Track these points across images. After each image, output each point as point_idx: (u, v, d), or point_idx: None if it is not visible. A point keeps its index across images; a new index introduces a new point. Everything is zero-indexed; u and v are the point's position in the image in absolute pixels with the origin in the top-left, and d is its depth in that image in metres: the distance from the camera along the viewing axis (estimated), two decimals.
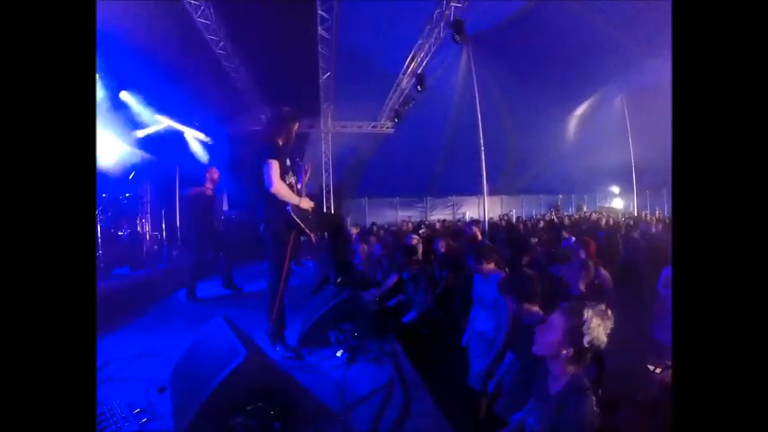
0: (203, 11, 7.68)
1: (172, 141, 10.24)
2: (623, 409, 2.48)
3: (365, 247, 8.21)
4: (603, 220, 12.19)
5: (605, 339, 1.73)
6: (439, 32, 9.23)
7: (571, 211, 21.23)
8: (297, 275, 5.69)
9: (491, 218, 14.28)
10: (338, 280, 4.10)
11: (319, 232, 4.07)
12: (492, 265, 3.45)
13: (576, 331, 1.73)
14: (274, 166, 3.24)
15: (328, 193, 15.03)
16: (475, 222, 10.05)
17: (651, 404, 2.62)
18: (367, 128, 15.05)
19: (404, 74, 11.51)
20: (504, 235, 9.94)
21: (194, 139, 11.26)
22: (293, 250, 3.55)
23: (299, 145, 10.99)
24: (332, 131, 14.79)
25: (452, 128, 14.68)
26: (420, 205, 20.61)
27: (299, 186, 3.67)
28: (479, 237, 6.77)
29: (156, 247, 8.69)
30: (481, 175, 10.69)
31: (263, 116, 12.46)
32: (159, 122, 9.14)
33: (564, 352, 1.74)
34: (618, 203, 21.32)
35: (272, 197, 3.29)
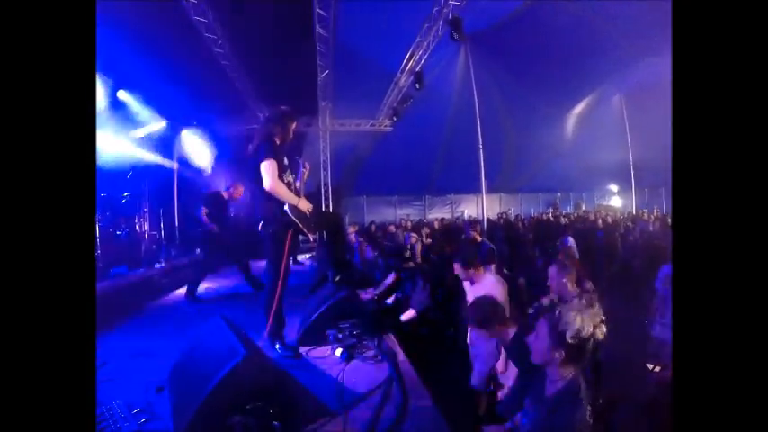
0: (201, 10, 7.65)
1: (170, 140, 10.22)
2: (622, 408, 2.49)
3: (363, 245, 8.21)
4: (601, 221, 12.20)
5: (590, 329, 1.69)
6: (437, 31, 9.22)
7: (569, 209, 21.26)
8: (295, 274, 5.69)
9: (489, 217, 14.28)
10: (336, 279, 4.10)
11: (317, 231, 4.07)
12: (481, 270, 3.44)
13: (557, 331, 1.70)
14: (272, 165, 3.23)
15: (327, 191, 15.01)
16: (472, 224, 10.07)
17: (650, 402, 2.63)
18: (365, 126, 15.04)
19: (402, 72, 11.49)
20: (503, 233, 9.96)
21: (192, 138, 11.24)
22: (291, 249, 3.54)
23: (297, 143, 11.00)
24: (330, 130, 14.77)
25: (451, 126, 14.67)
26: (418, 204, 20.60)
27: (297, 185, 3.66)
28: (478, 238, 6.78)
29: (154, 246, 8.69)
30: (480, 174, 10.70)
31: (260, 115, 12.45)
32: (157, 121, 9.12)
33: (557, 356, 1.72)
34: (616, 202, 21.37)
35: (270, 196, 3.28)
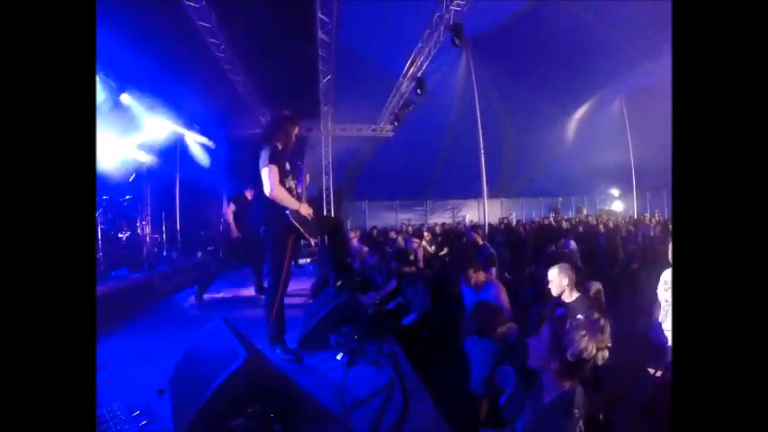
0: (203, 14, 7.70)
1: (172, 144, 10.25)
2: (622, 410, 2.48)
3: (365, 250, 8.21)
4: (602, 226, 12.18)
5: (593, 352, 1.62)
6: (438, 36, 9.25)
7: (571, 213, 21.23)
8: (297, 278, 5.69)
9: (491, 221, 14.28)
10: (338, 283, 4.10)
11: (319, 236, 4.07)
12: (485, 275, 3.44)
13: (559, 343, 1.65)
14: (273, 171, 3.23)
15: (328, 196, 15.03)
16: (474, 228, 10.06)
17: (651, 407, 2.62)
18: (367, 131, 15.07)
19: (403, 77, 11.53)
20: (504, 238, 9.95)
21: (194, 141, 11.29)
22: (292, 253, 3.55)
23: (299, 148, 11.02)
24: (332, 134, 14.81)
25: (452, 131, 14.71)
26: (420, 208, 20.61)
27: (298, 190, 3.67)
28: (480, 241, 6.77)
29: (155, 249, 8.71)
30: (481, 178, 10.70)
31: (262, 119, 12.49)
32: (160, 125, 9.15)
33: (551, 365, 1.67)
34: (618, 206, 21.33)
35: (271, 201, 3.29)
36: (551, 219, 17.71)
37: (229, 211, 6.34)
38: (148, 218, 8.63)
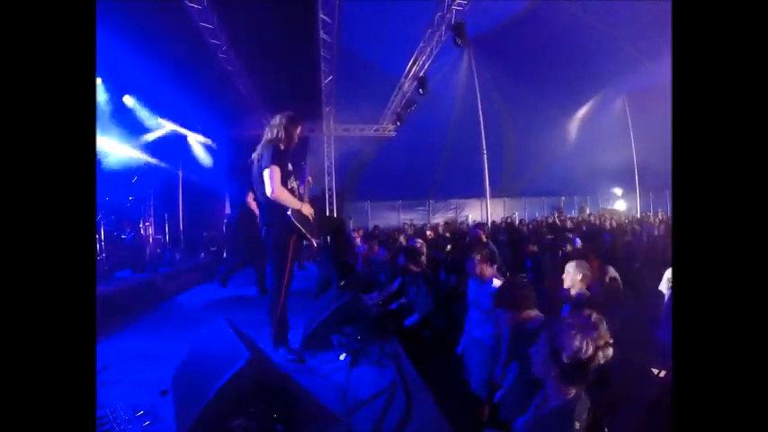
0: (205, 15, 7.72)
1: (175, 145, 10.29)
2: (624, 410, 2.47)
3: (368, 250, 8.20)
4: (608, 223, 12.15)
5: (591, 351, 1.52)
6: (440, 36, 9.25)
7: (574, 213, 21.18)
8: (299, 278, 5.70)
9: (493, 221, 14.26)
10: (341, 283, 4.10)
11: (321, 236, 4.07)
12: (491, 270, 3.43)
13: (553, 347, 1.58)
14: (275, 172, 3.24)
15: (330, 196, 15.04)
16: (480, 225, 10.04)
17: (652, 405, 2.61)
18: (369, 131, 15.08)
19: (405, 77, 11.53)
20: (506, 237, 9.93)
21: (197, 142, 11.32)
22: (295, 254, 3.55)
23: (301, 148, 11.05)
24: (334, 135, 14.83)
25: (454, 131, 14.70)
26: (422, 208, 20.59)
27: (301, 190, 3.67)
28: (484, 238, 6.76)
29: (158, 250, 8.73)
30: (483, 178, 10.69)
31: (265, 120, 12.50)
32: (162, 126, 9.19)
33: (552, 373, 1.60)
34: (621, 205, 21.27)
35: (273, 201, 3.29)
36: (555, 218, 17.66)
37: (250, 198, 6.32)
38: (151, 219, 8.66)
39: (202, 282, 8.13)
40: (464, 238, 9.43)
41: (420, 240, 6.42)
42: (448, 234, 10.97)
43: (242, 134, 12.87)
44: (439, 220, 18.97)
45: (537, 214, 20.99)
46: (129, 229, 7.59)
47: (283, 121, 3.58)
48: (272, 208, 3.36)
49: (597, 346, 1.54)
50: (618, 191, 21.47)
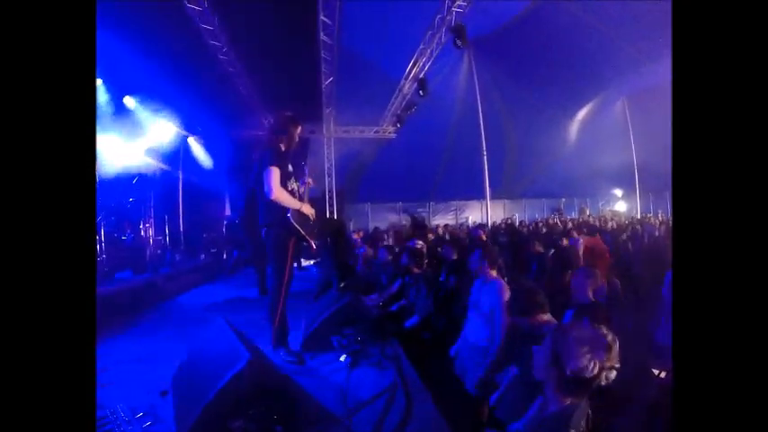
0: (206, 16, 7.73)
1: (175, 146, 10.30)
2: (625, 412, 2.46)
3: (369, 251, 8.20)
4: (609, 224, 12.15)
5: (596, 370, 1.47)
6: (440, 37, 9.26)
7: (574, 214, 21.16)
8: (300, 279, 5.70)
9: (494, 222, 14.26)
10: (341, 285, 4.10)
11: (320, 238, 4.07)
12: (494, 272, 3.42)
13: (557, 355, 1.53)
14: (275, 173, 3.24)
15: (330, 197, 15.04)
16: (480, 226, 10.03)
17: (654, 407, 2.60)
18: (369, 133, 15.08)
19: (406, 79, 11.54)
20: (507, 239, 9.92)
21: (197, 143, 11.33)
22: (294, 255, 3.55)
23: (302, 150, 11.07)
24: (334, 136, 14.83)
25: (454, 132, 14.71)
26: (422, 210, 20.58)
27: (301, 190, 3.68)
28: (484, 238, 6.76)
29: (159, 251, 8.73)
30: (483, 180, 10.69)
31: (265, 121, 12.53)
32: (162, 127, 9.20)
33: (550, 378, 1.56)
34: (621, 206, 21.25)
35: (273, 203, 3.30)
36: (555, 219, 17.66)
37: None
38: (152, 220, 8.66)
39: (203, 283, 8.14)
40: (464, 240, 9.43)
41: (420, 242, 6.42)
42: (448, 236, 10.97)
43: (242, 135, 12.89)
44: (439, 221, 18.98)
45: (537, 216, 20.98)
46: (129, 231, 7.60)
47: (284, 121, 3.60)
48: (272, 209, 3.37)
49: (603, 367, 1.48)
50: (618, 192, 21.45)
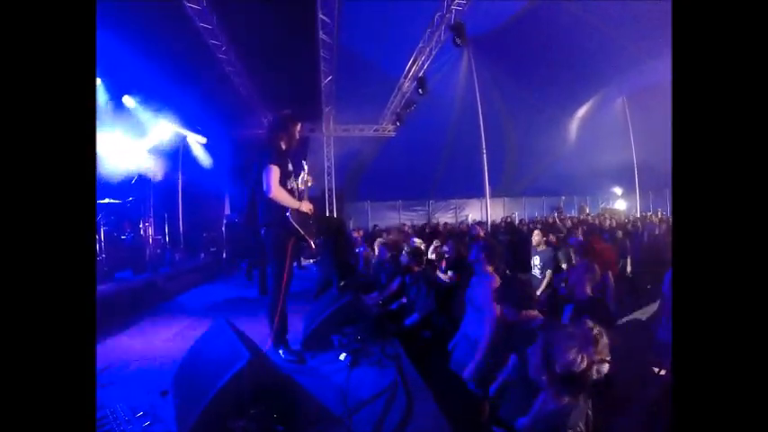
0: (205, 16, 7.72)
1: (174, 145, 10.28)
2: (626, 411, 2.46)
3: (369, 250, 8.20)
4: (607, 222, 12.14)
5: (584, 365, 1.47)
6: (440, 36, 9.25)
7: (573, 213, 21.16)
8: (299, 279, 5.70)
9: (493, 220, 14.25)
10: (341, 284, 4.10)
11: (319, 237, 4.07)
12: (490, 269, 3.43)
13: (546, 355, 1.54)
14: (274, 172, 3.24)
15: (330, 196, 15.04)
16: (479, 224, 10.02)
17: (655, 407, 2.60)
18: (369, 131, 15.08)
19: (405, 77, 11.53)
20: (507, 237, 9.93)
21: (197, 143, 11.31)
22: (294, 254, 3.55)
23: (301, 148, 11.08)
24: (334, 135, 14.82)
25: (454, 130, 14.69)
26: (422, 208, 20.58)
27: (301, 188, 3.68)
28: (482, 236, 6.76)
29: (158, 251, 8.72)
30: (483, 178, 10.68)
31: (264, 120, 12.51)
32: (162, 126, 9.18)
33: (543, 378, 1.56)
34: (620, 205, 21.25)
35: (272, 201, 3.30)
36: (555, 218, 17.65)
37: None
38: (151, 219, 8.65)
39: (202, 282, 8.13)
40: (464, 237, 9.43)
41: (419, 240, 6.42)
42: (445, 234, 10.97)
43: (242, 134, 12.87)
44: (439, 219, 18.98)
45: (537, 214, 20.98)
46: (129, 230, 7.59)
47: (283, 119, 3.60)
48: (271, 208, 3.37)
49: (592, 360, 1.48)
50: (618, 190, 21.45)
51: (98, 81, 7.17)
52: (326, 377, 3.07)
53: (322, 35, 8.96)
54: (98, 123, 6.57)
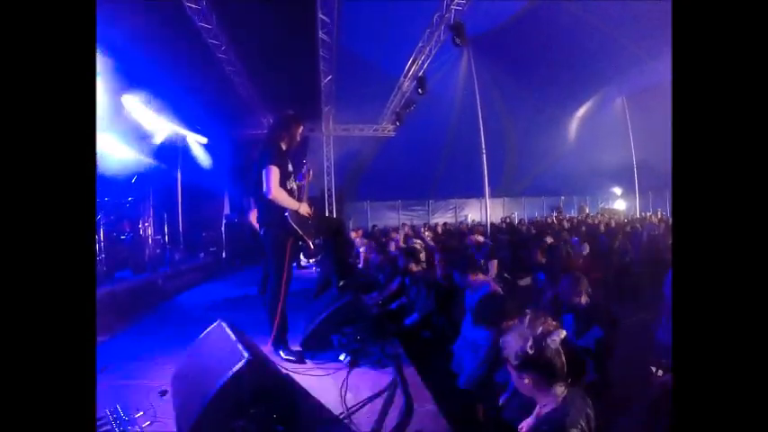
0: (204, 15, 7.72)
1: (174, 145, 10.28)
2: (627, 411, 2.46)
3: (368, 250, 8.21)
4: (603, 226, 12.14)
5: (531, 343, 1.54)
6: (439, 35, 9.25)
7: (573, 212, 21.18)
8: (299, 279, 5.70)
9: (493, 221, 14.26)
10: (340, 284, 4.10)
11: (318, 238, 4.07)
12: (479, 276, 3.44)
13: (504, 360, 1.63)
14: (274, 172, 3.24)
15: (330, 196, 15.04)
16: (474, 228, 10.02)
17: (655, 407, 2.60)
18: (368, 131, 15.08)
19: (405, 77, 11.53)
20: (506, 237, 9.93)
21: (196, 142, 11.31)
22: (293, 254, 3.55)
23: (302, 148, 11.08)
24: (333, 135, 14.83)
25: (453, 130, 14.71)
26: (422, 208, 20.59)
27: (302, 184, 3.68)
28: (480, 239, 6.76)
29: (158, 250, 8.72)
30: (483, 178, 10.69)
31: (264, 120, 12.51)
32: (162, 126, 9.18)
33: (525, 381, 1.61)
34: (620, 205, 21.29)
35: (271, 202, 3.30)
36: (554, 218, 17.68)
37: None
38: (151, 219, 8.64)
39: (202, 282, 8.13)
40: (462, 239, 9.44)
41: (418, 241, 6.43)
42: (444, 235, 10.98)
43: (241, 134, 12.86)
44: (439, 219, 18.98)
45: (536, 214, 21.00)
46: (128, 230, 7.58)
47: (285, 120, 3.60)
48: (271, 209, 3.37)
49: (535, 336, 1.55)
50: (617, 190, 21.48)
51: (98, 80, 7.16)
52: (326, 377, 3.07)
53: (322, 35, 8.96)
54: (98, 123, 6.57)
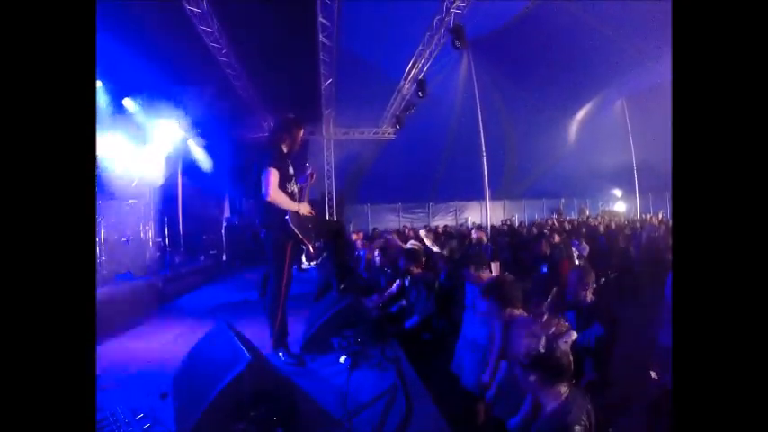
0: (205, 19, 7.74)
1: (175, 148, 10.28)
2: (627, 412, 2.46)
3: (368, 253, 8.19)
4: (602, 227, 12.13)
5: (544, 342, 1.56)
6: (439, 38, 9.27)
7: (573, 214, 21.16)
8: (300, 281, 5.69)
9: (493, 224, 14.25)
10: (341, 286, 4.10)
11: (318, 240, 4.07)
12: (486, 273, 3.43)
13: (512, 356, 1.65)
14: (273, 174, 3.24)
15: (330, 199, 15.04)
16: (479, 227, 10.01)
17: (656, 408, 2.60)
18: (369, 134, 15.10)
19: (405, 80, 11.55)
20: (507, 240, 9.93)
21: (197, 145, 11.31)
22: (293, 257, 3.55)
23: (302, 152, 11.10)
24: (333, 138, 14.85)
25: (454, 133, 14.70)
26: (422, 211, 20.57)
27: (304, 185, 3.68)
28: (484, 239, 6.76)
29: (159, 253, 8.71)
30: (483, 180, 10.69)
31: (265, 123, 12.53)
32: (162, 129, 9.18)
33: (531, 379, 1.62)
34: (620, 207, 21.26)
35: (271, 204, 3.30)
36: (554, 220, 17.66)
37: None
38: (151, 222, 8.65)
39: (202, 285, 8.12)
40: (464, 239, 9.43)
41: (417, 243, 6.42)
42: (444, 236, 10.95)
43: (242, 137, 12.87)
44: (439, 222, 18.97)
45: (537, 216, 20.98)
46: (129, 232, 7.58)
47: (287, 123, 3.61)
48: (271, 211, 3.37)
49: (548, 336, 1.56)
50: (617, 192, 21.45)
51: (98, 84, 7.18)
52: (326, 380, 3.07)
53: (322, 38, 8.98)
54: (98, 126, 6.58)
